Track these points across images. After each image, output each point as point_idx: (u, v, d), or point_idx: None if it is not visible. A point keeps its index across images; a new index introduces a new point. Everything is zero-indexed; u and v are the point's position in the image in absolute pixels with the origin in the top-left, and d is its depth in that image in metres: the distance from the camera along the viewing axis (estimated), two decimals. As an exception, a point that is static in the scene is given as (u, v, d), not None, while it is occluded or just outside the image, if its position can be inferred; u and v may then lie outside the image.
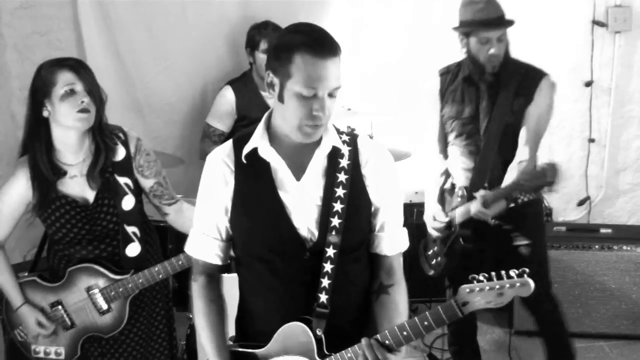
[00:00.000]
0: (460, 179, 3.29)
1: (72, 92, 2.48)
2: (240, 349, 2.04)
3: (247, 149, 1.96)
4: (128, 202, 2.67)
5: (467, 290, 1.80)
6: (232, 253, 2.16)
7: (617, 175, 4.56)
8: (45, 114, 2.53)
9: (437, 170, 3.43)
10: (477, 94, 3.19)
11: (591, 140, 4.49)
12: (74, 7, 4.01)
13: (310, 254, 1.95)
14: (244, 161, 1.96)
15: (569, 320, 4.06)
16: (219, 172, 1.99)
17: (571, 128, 4.50)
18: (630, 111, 4.43)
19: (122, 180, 2.66)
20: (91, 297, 2.69)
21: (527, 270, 1.80)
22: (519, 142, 3.16)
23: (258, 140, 1.96)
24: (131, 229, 2.69)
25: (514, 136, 3.15)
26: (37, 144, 2.57)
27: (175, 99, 4.27)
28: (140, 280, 2.68)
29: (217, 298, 2.10)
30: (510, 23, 3.12)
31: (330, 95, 1.85)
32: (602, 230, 4.16)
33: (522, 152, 3.15)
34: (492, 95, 3.15)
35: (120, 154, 2.66)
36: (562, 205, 4.57)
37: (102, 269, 2.67)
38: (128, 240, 2.69)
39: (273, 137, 1.97)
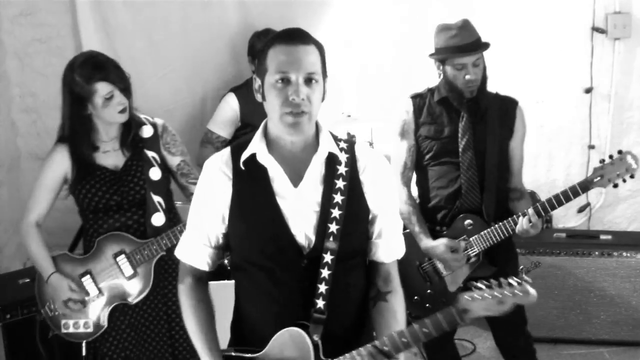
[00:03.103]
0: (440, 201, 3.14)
1: (111, 98, 2.74)
2: (235, 354, 2.03)
3: (245, 155, 1.97)
4: (155, 173, 2.89)
5: (467, 297, 1.80)
6: (226, 262, 2.15)
7: (617, 181, 4.55)
8: (89, 111, 2.78)
9: (409, 205, 3.15)
10: (456, 115, 3.09)
11: (591, 147, 4.48)
12: (73, 14, 4.02)
13: (308, 261, 1.95)
14: (242, 168, 1.97)
15: (569, 327, 4.08)
16: (215, 180, 2.00)
17: (571, 135, 4.50)
18: (630, 117, 4.43)
19: (150, 153, 2.89)
20: (118, 262, 2.83)
21: (526, 278, 1.80)
22: (511, 171, 3.16)
23: (256, 146, 1.97)
24: (157, 198, 2.87)
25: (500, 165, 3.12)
26: (79, 133, 2.81)
27: (174, 106, 4.26)
28: (164, 241, 2.81)
29: (206, 299, 2.09)
30: (485, 46, 3.05)
31: (308, 81, 1.87)
32: (602, 237, 4.16)
33: (514, 181, 3.17)
34: (472, 120, 3.07)
35: (148, 132, 2.91)
36: (562, 212, 4.55)
37: (128, 235, 2.84)
38: (154, 209, 2.86)
39: (270, 144, 1.98)
